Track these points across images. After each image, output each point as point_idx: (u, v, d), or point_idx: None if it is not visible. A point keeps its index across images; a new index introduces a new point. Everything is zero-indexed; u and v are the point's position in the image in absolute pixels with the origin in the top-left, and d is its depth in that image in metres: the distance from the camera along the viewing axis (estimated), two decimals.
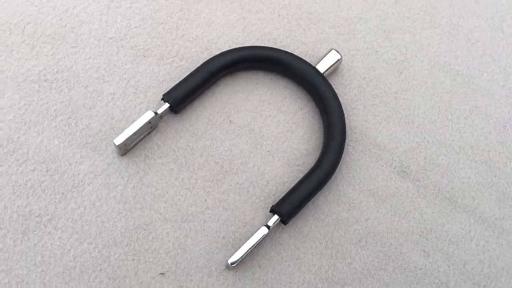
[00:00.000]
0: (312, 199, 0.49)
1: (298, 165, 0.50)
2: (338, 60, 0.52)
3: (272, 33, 0.55)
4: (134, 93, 0.51)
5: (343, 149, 0.49)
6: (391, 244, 0.48)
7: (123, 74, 0.52)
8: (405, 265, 0.48)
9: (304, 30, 0.55)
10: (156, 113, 0.48)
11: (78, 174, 0.49)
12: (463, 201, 0.50)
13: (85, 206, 0.47)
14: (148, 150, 0.50)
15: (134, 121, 0.49)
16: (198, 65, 0.52)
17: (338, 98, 0.51)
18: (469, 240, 0.49)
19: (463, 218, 0.50)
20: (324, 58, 0.52)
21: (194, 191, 0.49)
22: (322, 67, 0.52)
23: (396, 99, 0.53)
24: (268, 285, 0.46)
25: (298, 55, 0.54)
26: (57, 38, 0.52)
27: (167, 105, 0.49)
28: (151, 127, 0.50)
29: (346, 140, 0.51)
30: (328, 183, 0.50)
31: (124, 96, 0.51)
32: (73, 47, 0.52)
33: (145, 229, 0.47)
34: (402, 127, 0.52)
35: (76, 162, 0.49)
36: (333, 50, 0.53)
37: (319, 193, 0.49)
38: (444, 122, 0.53)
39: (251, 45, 0.55)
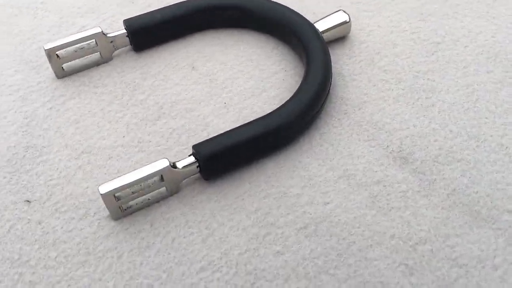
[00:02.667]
0: (257, 164, 0.34)
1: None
2: (344, 22, 0.40)
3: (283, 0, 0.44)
4: (105, 29, 0.43)
5: (317, 103, 0.36)
6: (353, 242, 0.30)
7: (103, 13, 0.46)
8: (368, 276, 0.29)
9: (318, 1, 0.44)
10: (104, 33, 0.39)
11: (3, 84, 0.41)
12: (489, 212, 0.30)
13: None
14: (87, 78, 0.40)
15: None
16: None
17: (326, 50, 0.37)
18: (491, 268, 0.29)
19: (485, 235, 0.31)
20: (327, 17, 0.40)
21: (116, 125, 0.37)
22: (321, 25, 0.39)
23: (417, 78, 0.38)
24: (152, 251, 0.30)
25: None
26: None
27: (123, 31, 0.40)
28: (101, 56, 0.42)
29: (333, 111, 0.37)
30: (287, 150, 0.36)
31: (96, 27, 0.43)
32: None
33: (38, 150, 0.36)
34: (415, 108, 0.36)
35: (8, 74, 0.41)
36: (340, 11, 0.40)
37: (269, 158, 0.34)
38: (483, 113, 0.35)
39: None
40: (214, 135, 0.34)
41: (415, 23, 0.42)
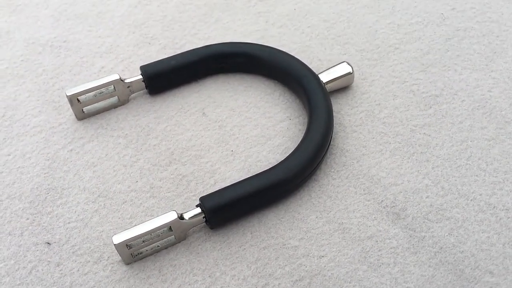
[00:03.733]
0: (259, 215, 0.36)
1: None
2: (348, 73, 0.42)
3: (288, 45, 0.47)
4: (122, 70, 0.47)
5: (317, 158, 0.38)
6: None
7: (121, 54, 0.48)
8: None
9: (325, 48, 0.47)
10: (122, 79, 0.42)
11: (28, 125, 0.44)
12: (472, 272, 0.33)
13: (14, 155, 0.41)
14: (106, 121, 0.43)
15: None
16: (190, 49, 0.45)
17: (330, 109, 0.40)
18: None
19: None
20: (331, 68, 0.43)
21: (130, 169, 0.40)
22: (325, 77, 0.42)
23: (413, 132, 0.40)
24: None
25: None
26: (81, 17, 0.53)
27: (139, 76, 0.43)
28: (118, 99, 0.45)
29: (332, 162, 0.40)
30: (288, 201, 0.38)
31: (111, 71, 0.46)
32: (91, 26, 0.51)
33: (58, 193, 0.39)
34: (410, 163, 0.38)
35: (32, 114, 0.44)
36: (344, 63, 0.43)
37: (270, 209, 0.37)
38: (474, 171, 0.38)
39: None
40: (220, 182, 0.38)
41: (416, 74, 0.44)
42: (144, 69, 0.44)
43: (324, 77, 0.43)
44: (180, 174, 0.40)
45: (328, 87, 0.42)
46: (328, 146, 0.39)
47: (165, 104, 0.44)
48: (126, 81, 0.44)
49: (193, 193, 0.38)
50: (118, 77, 0.43)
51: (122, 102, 0.44)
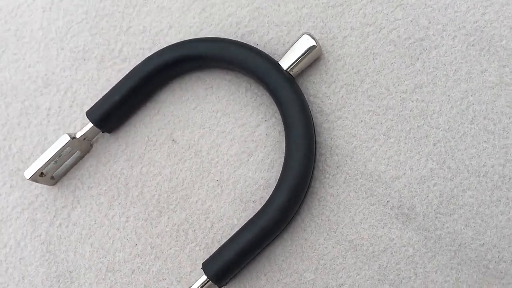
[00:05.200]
0: (266, 252, 0.34)
1: (253, 201, 0.36)
2: (311, 48, 0.35)
3: (235, 14, 0.39)
4: (70, 107, 0.41)
5: (304, 184, 0.35)
6: None
7: (60, 84, 0.42)
8: None
9: (278, 5, 0.38)
10: (73, 137, 0.38)
11: (7, 206, 0.41)
12: (497, 266, 0.31)
13: (10, 246, 0.39)
14: (79, 179, 0.40)
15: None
16: (129, 71, 0.39)
17: (305, 107, 0.35)
18: None
19: None
20: (292, 48, 0.36)
21: (124, 232, 0.37)
22: (286, 62, 0.35)
23: (405, 101, 0.34)
24: None
25: (268, 43, 0.40)
26: (1, 45, 0.43)
27: (90, 125, 0.38)
28: (81, 152, 0.42)
29: (324, 165, 0.36)
30: (291, 226, 0.37)
31: (60, 111, 0.41)
32: (14, 54, 0.43)
33: (67, 277, 0.38)
34: (408, 145, 0.33)
35: (6, 192, 0.41)
36: (304, 35, 0.36)
37: (276, 243, 0.35)
38: (482, 136, 0.33)
39: (205, 36, 0.40)
40: (217, 223, 0.38)
41: (392, 14, 0.37)
42: (90, 115, 0.39)
43: (286, 62, 0.37)
44: (174, 224, 0.38)
45: (294, 72, 0.36)
46: (315, 159, 0.35)
47: (130, 140, 0.40)
48: (78, 135, 0.40)
49: (194, 243, 0.37)
50: (69, 138, 0.39)
51: (86, 151, 0.41)
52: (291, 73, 0.36)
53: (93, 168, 0.41)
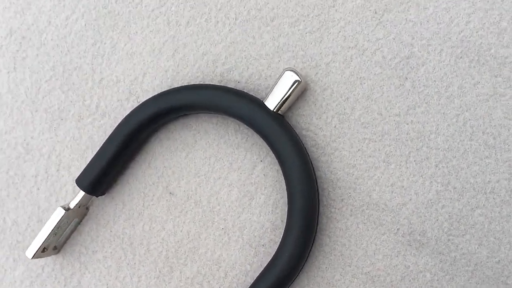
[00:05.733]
0: None
1: (263, 245, 0.35)
2: (296, 83, 0.34)
3: (210, 52, 0.37)
4: (57, 170, 0.40)
5: (313, 226, 0.35)
6: None
7: (42, 148, 0.40)
8: None
9: (254, 38, 0.37)
10: (68, 208, 0.37)
11: (14, 282, 0.40)
12: None
13: None
14: (81, 245, 0.39)
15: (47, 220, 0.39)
16: (113, 130, 0.37)
17: (299, 146, 0.34)
18: None
19: None
20: (276, 86, 0.34)
21: None
22: (272, 101, 0.34)
23: (399, 125, 0.33)
24: None
25: (250, 79, 0.39)
26: None
27: (81, 193, 0.37)
28: (78, 217, 0.41)
29: (328, 200, 0.36)
30: (305, 268, 0.37)
31: (48, 176, 0.40)
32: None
33: None
34: (410, 169, 0.33)
35: (10, 267, 0.40)
36: (287, 72, 0.34)
37: (293, 285, 0.34)
38: (483, 152, 0.32)
39: (182, 80, 0.38)
40: (230, 271, 0.37)
41: (373, 33, 0.36)
42: (81, 183, 0.38)
43: (272, 102, 0.35)
44: (187, 278, 0.38)
45: (282, 110, 0.35)
46: (318, 195, 0.34)
47: (126, 198, 0.40)
48: (72, 205, 0.39)
49: None
50: (64, 211, 0.38)
51: (83, 215, 0.40)
52: (279, 112, 0.35)
53: (94, 232, 0.40)
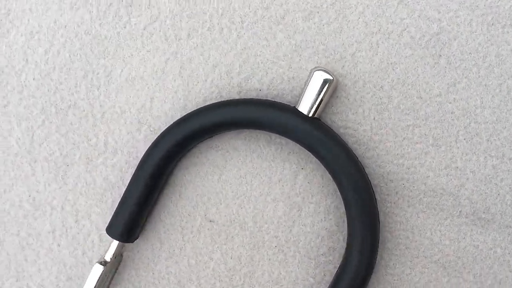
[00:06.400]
0: None
1: (322, 254, 0.34)
2: (329, 83, 0.31)
3: (221, 62, 0.35)
4: (75, 221, 0.36)
5: (376, 229, 0.34)
6: None
7: (52, 201, 0.36)
8: None
9: (266, 39, 0.34)
10: (105, 263, 0.33)
11: None
12: None
13: None
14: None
15: (85, 277, 0.38)
16: (135, 169, 0.34)
17: (344, 148, 0.31)
18: None
19: None
20: (307, 89, 0.32)
21: None
22: (305, 106, 0.31)
23: (442, 105, 0.32)
24: None
25: (271, 85, 0.36)
26: None
27: (115, 243, 0.34)
28: (115, 267, 0.38)
29: (383, 195, 0.35)
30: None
31: (66, 230, 0.36)
32: None
33: None
34: (461, 148, 0.32)
35: None
36: (316, 72, 0.32)
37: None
38: None
39: (195, 104, 0.35)
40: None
41: (396, 14, 0.34)
42: (112, 233, 0.35)
43: (306, 107, 0.33)
44: None
45: (318, 113, 0.33)
46: (374, 193, 0.33)
47: (163, 236, 0.37)
48: (109, 258, 0.36)
49: None
50: (102, 267, 0.35)
51: (118, 264, 0.38)
52: (315, 116, 0.32)
53: (134, 278, 0.37)
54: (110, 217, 0.37)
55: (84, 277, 0.37)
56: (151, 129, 0.36)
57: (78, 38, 0.37)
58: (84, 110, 0.37)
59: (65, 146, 0.37)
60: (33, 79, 0.37)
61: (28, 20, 0.37)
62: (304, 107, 0.33)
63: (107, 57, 0.37)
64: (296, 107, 0.33)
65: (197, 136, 0.34)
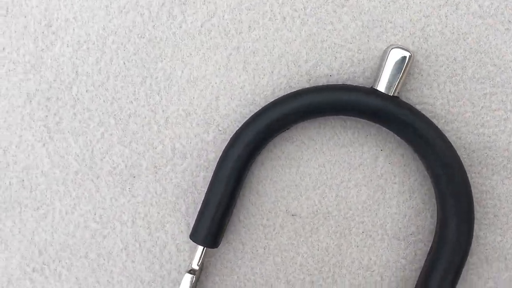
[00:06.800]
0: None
1: (411, 234, 0.34)
2: (408, 59, 0.31)
3: (286, 52, 0.34)
4: (149, 234, 0.35)
5: (471, 204, 0.33)
6: None
7: (121, 216, 0.35)
8: None
9: (332, 23, 0.33)
10: (193, 271, 0.32)
11: None
12: None
13: None
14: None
15: None
16: (214, 171, 0.33)
17: (434, 128, 0.31)
18: None
19: None
20: (384, 67, 0.31)
21: None
22: (384, 85, 0.31)
23: None
24: None
25: (341, 69, 0.36)
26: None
27: (200, 249, 0.32)
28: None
29: (466, 167, 0.34)
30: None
31: (139, 244, 0.35)
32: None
33: None
34: None
35: None
36: (393, 50, 0.32)
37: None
38: None
39: (264, 98, 0.35)
40: (386, 271, 0.36)
41: None
42: (196, 238, 0.34)
43: (385, 86, 0.33)
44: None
45: (398, 91, 0.33)
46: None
47: (244, 237, 0.37)
48: (196, 266, 0.35)
49: None
50: (192, 276, 0.34)
51: (200, 272, 0.36)
52: (395, 94, 0.32)
53: (218, 285, 0.36)
54: (186, 225, 0.35)
55: None
56: (220, 129, 0.35)
57: (132, 43, 0.35)
58: (146, 118, 0.35)
59: (130, 157, 0.35)
60: (86, 91, 0.35)
61: (73, 29, 0.35)
62: (383, 87, 0.32)
63: (164, 59, 0.35)
64: (375, 87, 0.32)
65: (276, 128, 0.33)
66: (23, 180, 0.36)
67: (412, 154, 0.35)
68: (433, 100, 0.34)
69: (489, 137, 0.34)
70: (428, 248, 0.35)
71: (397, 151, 0.35)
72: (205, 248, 0.34)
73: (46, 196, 0.36)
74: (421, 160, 0.33)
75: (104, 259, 0.37)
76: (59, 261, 0.37)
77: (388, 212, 0.35)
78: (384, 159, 0.35)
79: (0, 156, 0.36)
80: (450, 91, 0.34)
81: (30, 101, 0.36)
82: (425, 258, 0.35)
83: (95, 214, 0.36)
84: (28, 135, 0.36)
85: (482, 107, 0.34)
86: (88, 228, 0.36)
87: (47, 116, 0.36)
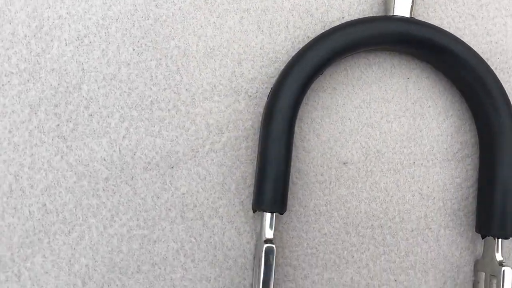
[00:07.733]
0: None
1: (457, 151, 0.34)
2: None
3: (297, 4, 0.33)
4: (203, 226, 0.31)
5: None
6: None
7: (167, 214, 0.31)
8: None
9: None
10: (270, 241, 0.29)
11: None
12: None
13: None
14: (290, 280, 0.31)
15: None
16: (260, 129, 0.31)
17: (466, 46, 0.32)
18: None
19: None
20: None
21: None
22: (402, 10, 0.33)
23: None
24: None
25: (350, 13, 0.36)
26: None
27: (268, 216, 0.30)
28: None
29: None
30: None
31: (196, 240, 0.31)
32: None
33: None
34: None
35: None
36: None
37: None
38: None
39: (284, 55, 0.35)
40: (448, 196, 0.36)
41: None
42: (261, 206, 0.32)
43: (403, 11, 0.35)
44: (408, 230, 0.35)
45: (414, 14, 0.35)
46: None
47: (304, 198, 0.35)
48: (270, 235, 0.33)
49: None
50: (273, 246, 0.32)
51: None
52: (413, 17, 0.34)
53: (287, 255, 0.34)
54: (240, 204, 0.33)
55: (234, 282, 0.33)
56: (250, 94, 0.34)
57: (137, 27, 0.33)
58: (170, 101, 0.33)
59: (163, 147, 0.33)
60: (98, 88, 0.32)
61: (69, 25, 0.33)
62: (401, 11, 0.34)
63: (176, 36, 0.34)
64: (392, 14, 0.34)
65: (316, 72, 0.33)
66: (45, 204, 0.32)
67: (437, 75, 0.36)
68: (440, 20, 0.36)
69: (496, 43, 0.36)
70: (474, 163, 0.35)
71: (423, 76, 0.36)
72: (272, 215, 0.32)
73: (76, 215, 0.32)
74: (449, 77, 0.34)
75: (160, 267, 0.32)
76: (108, 285, 0.32)
77: (432, 136, 0.36)
78: (413, 86, 0.36)
79: (12, 184, 0.31)
80: (451, 9, 0.36)
81: (35, 112, 0.32)
82: (476, 172, 0.35)
83: (138, 220, 0.32)
84: (41, 152, 0.32)
85: (482, 18, 0.36)
86: (134, 238, 0.32)
87: (58, 125, 0.32)
